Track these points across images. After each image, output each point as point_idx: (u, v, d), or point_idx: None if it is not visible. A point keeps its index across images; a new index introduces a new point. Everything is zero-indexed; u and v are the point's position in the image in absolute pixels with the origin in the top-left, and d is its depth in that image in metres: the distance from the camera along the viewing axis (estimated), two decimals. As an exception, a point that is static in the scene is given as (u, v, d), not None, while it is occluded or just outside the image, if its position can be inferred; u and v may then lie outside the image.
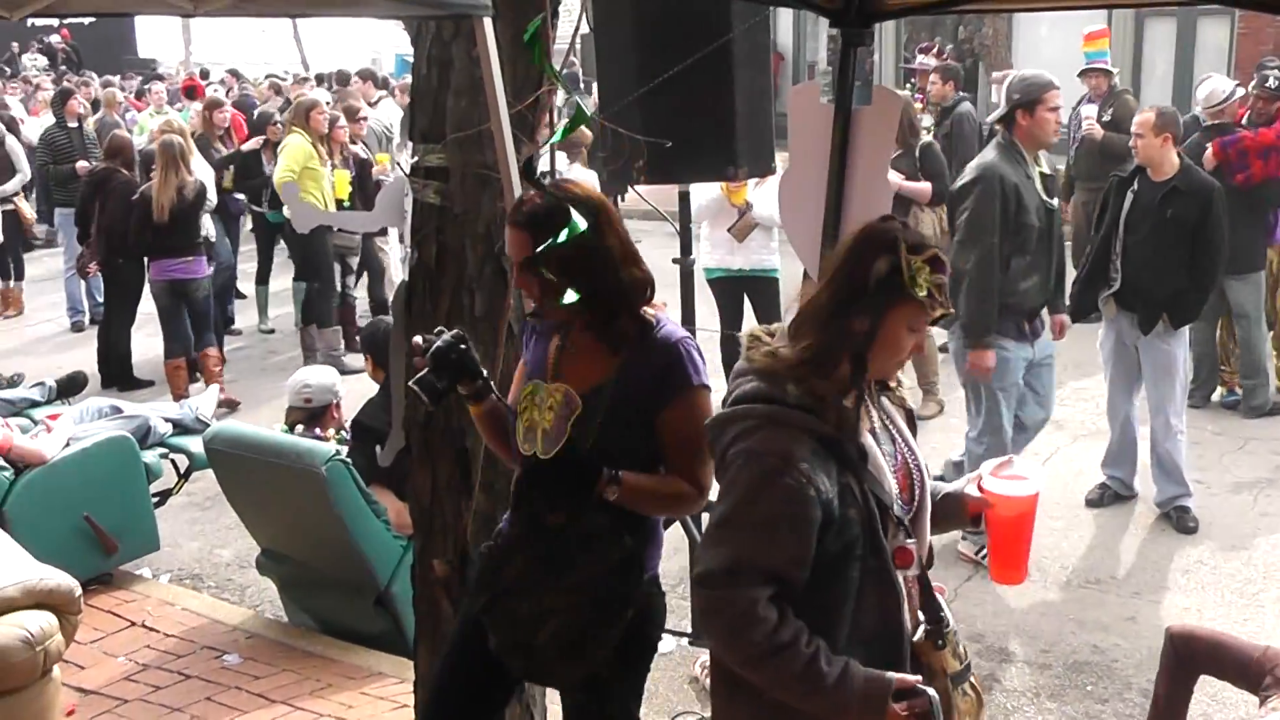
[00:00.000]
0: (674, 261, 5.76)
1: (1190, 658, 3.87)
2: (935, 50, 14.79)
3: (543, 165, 3.91)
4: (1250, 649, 3.77)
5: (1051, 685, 5.19)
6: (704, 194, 7.68)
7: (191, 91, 16.67)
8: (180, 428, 6.78)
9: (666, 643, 5.56)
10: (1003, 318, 6.19)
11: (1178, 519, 6.79)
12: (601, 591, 3.04)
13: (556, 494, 3.02)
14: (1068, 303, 6.77)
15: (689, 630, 5.37)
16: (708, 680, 5.15)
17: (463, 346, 3.15)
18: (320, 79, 19.14)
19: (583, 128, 3.24)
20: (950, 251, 6.03)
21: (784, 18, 21.01)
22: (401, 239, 10.21)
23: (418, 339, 3.16)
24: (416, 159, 3.77)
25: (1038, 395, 6.57)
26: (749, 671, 2.61)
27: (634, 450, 3.11)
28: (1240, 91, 8.83)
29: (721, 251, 8.05)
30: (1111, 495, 7.16)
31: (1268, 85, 8.50)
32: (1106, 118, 10.26)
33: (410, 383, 3.16)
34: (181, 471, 6.79)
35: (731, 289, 8.18)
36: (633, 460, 3.08)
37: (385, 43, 27.61)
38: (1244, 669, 3.70)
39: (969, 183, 6.23)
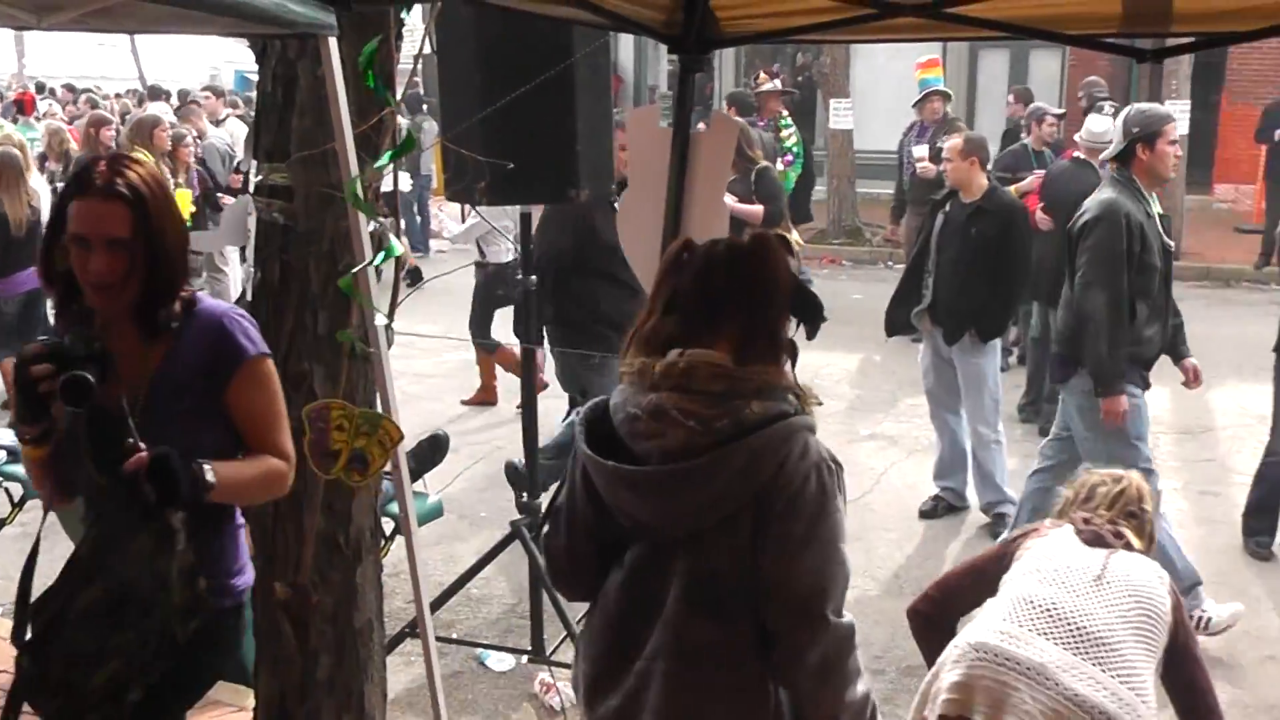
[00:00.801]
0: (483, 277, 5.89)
1: (935, 613, 3.95)
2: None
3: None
4: (986, 558, 3.97)
5: (885, 690, 5.33)
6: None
7: (22, 105, 16.25)
8: (14, 455, 6.59)
9: (505, 660, 5.63)
10: (1128, 367, 5.90)
11: (993, 526, 7.07)
12: (152, 606, 2.81)
13: (145, 502, 2.75)
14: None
15: (528, 648, 5.44)
16: (548, 698, 5.24)
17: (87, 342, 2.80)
18: (156, 93, 18.80)
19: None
20: (1076, 296, 5.94)
21: (625, 41, 21.20)
22: (244, 258, 10.14)
23: (32, 345, 2.82)
24: (261, 178, 3.77)
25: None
26: (845, 697, 2.67)
27: (216, 440, 2.99)
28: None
29: None
30: (945, 506, 7.40)
31: (1104, 114, 8.99)
32: (940, 143, 10.61)
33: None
34: (15, 501, 6.60)
35: None
36: (219, 450, 2.96)
37: (224, 58, 27.20)
38: (987, 576, 3.82)
39: (1092, 220, 5.90)
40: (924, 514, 7.40)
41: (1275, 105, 15.71)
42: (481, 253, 8.98)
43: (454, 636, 5.77)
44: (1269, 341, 6.83)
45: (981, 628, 3.54)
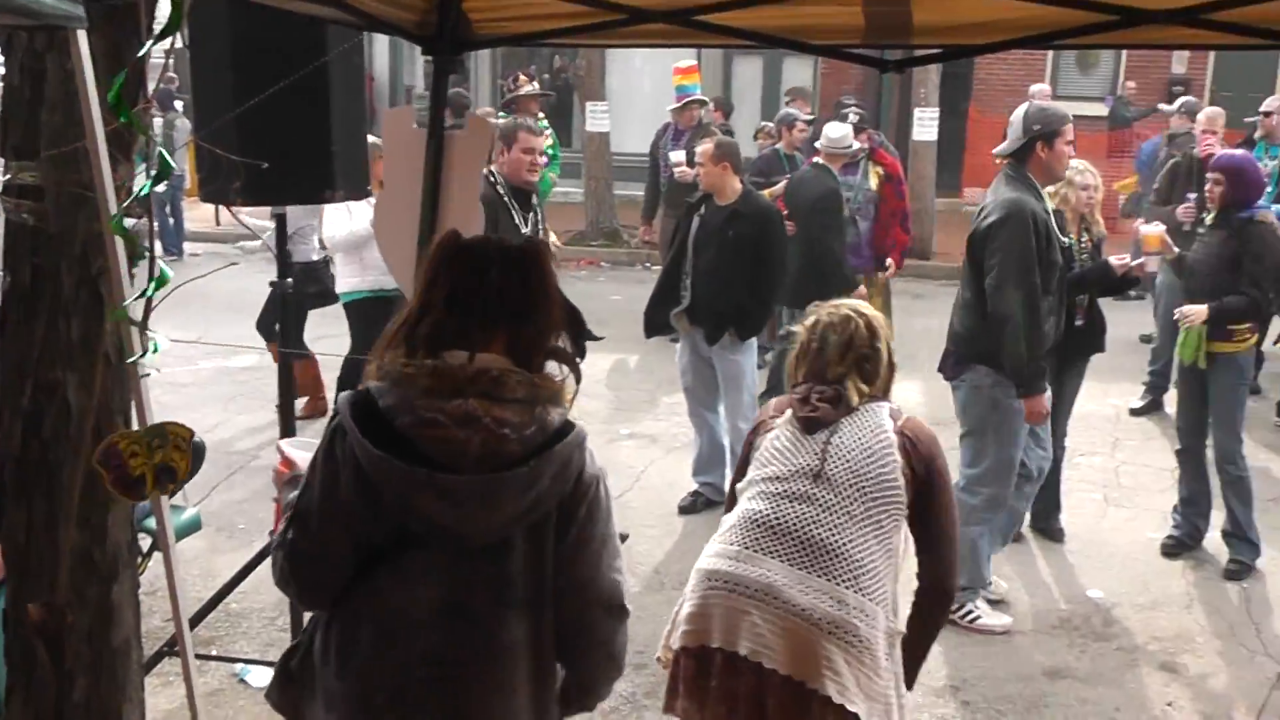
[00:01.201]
0: (270, 285, 5.73)
1: None
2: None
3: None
4: (743, 458, 3.96)
5: (649, 684, 5.41)
6: (356, 222, 7.56)
7: None
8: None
9: (266, 676, 5.44)
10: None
11: None
12: None
13: None
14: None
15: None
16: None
17: None
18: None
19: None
20: (990, 297, 5.86)
21: (380, 41, 20.98)
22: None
23: None
24: (9, 177, 3.61)
25: (1039, 439, 6.37)
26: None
27: None
28: (856, 144, 9.54)
29: (376, 273, 7.72)
30: (704, 501, 7.53)
31: (847, 121, 9.29)
32: (694, 148, 10.81)
33: None
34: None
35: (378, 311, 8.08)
36: None
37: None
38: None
39: (999, 220, 5.83)
40: (683, 510, 7.53)
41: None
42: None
43: (213, 653, 5.60)
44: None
45: (713, 552, 3.64)
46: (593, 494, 2.72)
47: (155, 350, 3.23)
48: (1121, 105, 18.94)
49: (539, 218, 7.01)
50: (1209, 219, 6.91)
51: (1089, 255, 6.81)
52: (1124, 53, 19.72)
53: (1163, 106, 14.24)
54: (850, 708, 3.39)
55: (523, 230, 6.75)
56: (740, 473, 3.88)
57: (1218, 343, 6.69)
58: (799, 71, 20.74)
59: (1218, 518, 7.06)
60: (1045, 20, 3.54)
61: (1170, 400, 9.37)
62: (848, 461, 3.59)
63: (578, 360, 2.80)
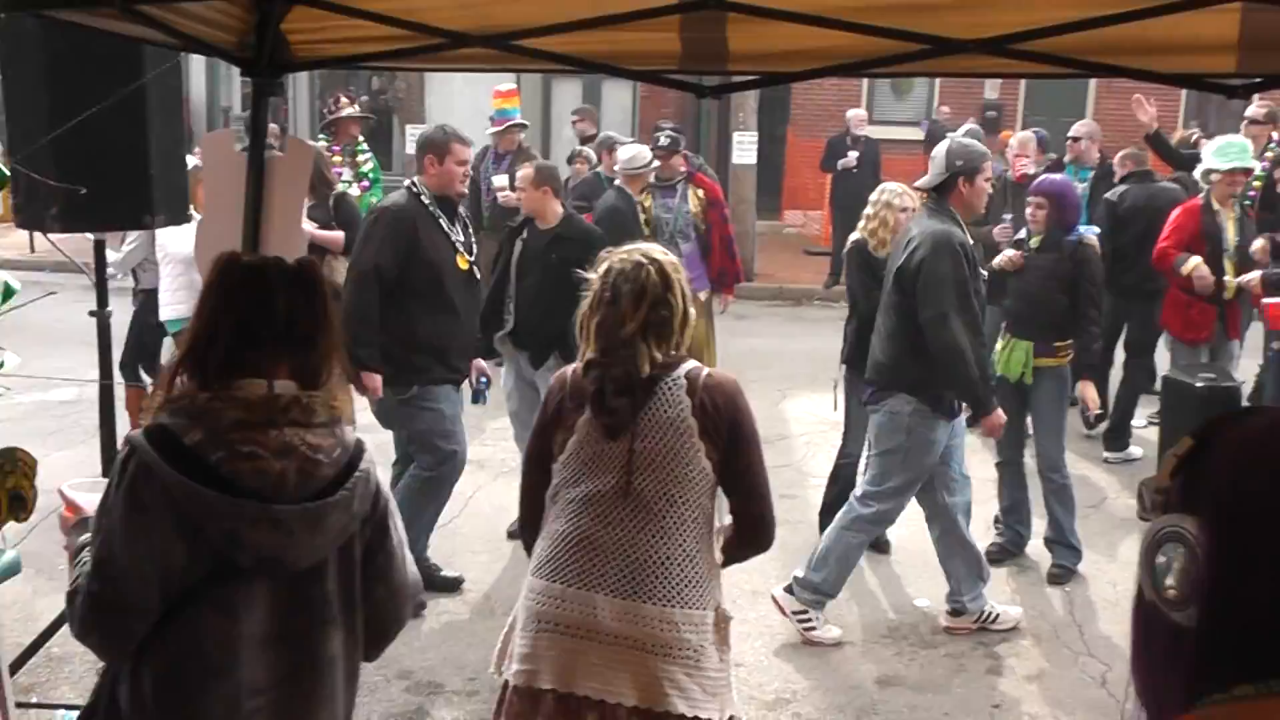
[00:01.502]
0: (90, 314, 5.57)
1: (530, 538, 3.94)
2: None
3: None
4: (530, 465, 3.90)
5: (480, 711, 5.38)
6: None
7: None
8: None
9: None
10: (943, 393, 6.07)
11: None
12: None
13: None
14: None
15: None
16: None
17: None
18: None
19: None
20: (931, 328, 5.93)
21: (196, 62, 20.56)
22: None
23: None
24: None
25: (963, 474, 6.45)
26: None
27: None
28: (657, 163, 9.60)
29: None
30: (532, 525, 7.51)
31: (660, 144, 9.37)
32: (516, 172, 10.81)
33: None
34: None
35: None
36: None
37: None
38: (537, 482, 3.83)
39: (931, 254, 5.93)
40: (512, 534, 7.46)
41: (838, 137, 16.76)
42: (136, 279, 8.49)
43: (34, 701, 5.39)
44: (838, 354, 7.33)
45: (538, 590, 3.60)
46: (388, 504, 2.89)
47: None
48: (938, 129, 19.49)
49: (469, 228, 6.83)
50: (1034, 242, 7.12)
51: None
52: (938, 78, 20.31)
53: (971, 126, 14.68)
54: (704, 715, 3.47)
55: (453, 239, 6.59)
56: (544, 441, 3.74)
57: (1043, 358, 6.98)
58: (619, 95, 20.91)
59: (1038, 525, 7.29)
60: (860, 49, 3.63)
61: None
62: (654, 469, 3.58)
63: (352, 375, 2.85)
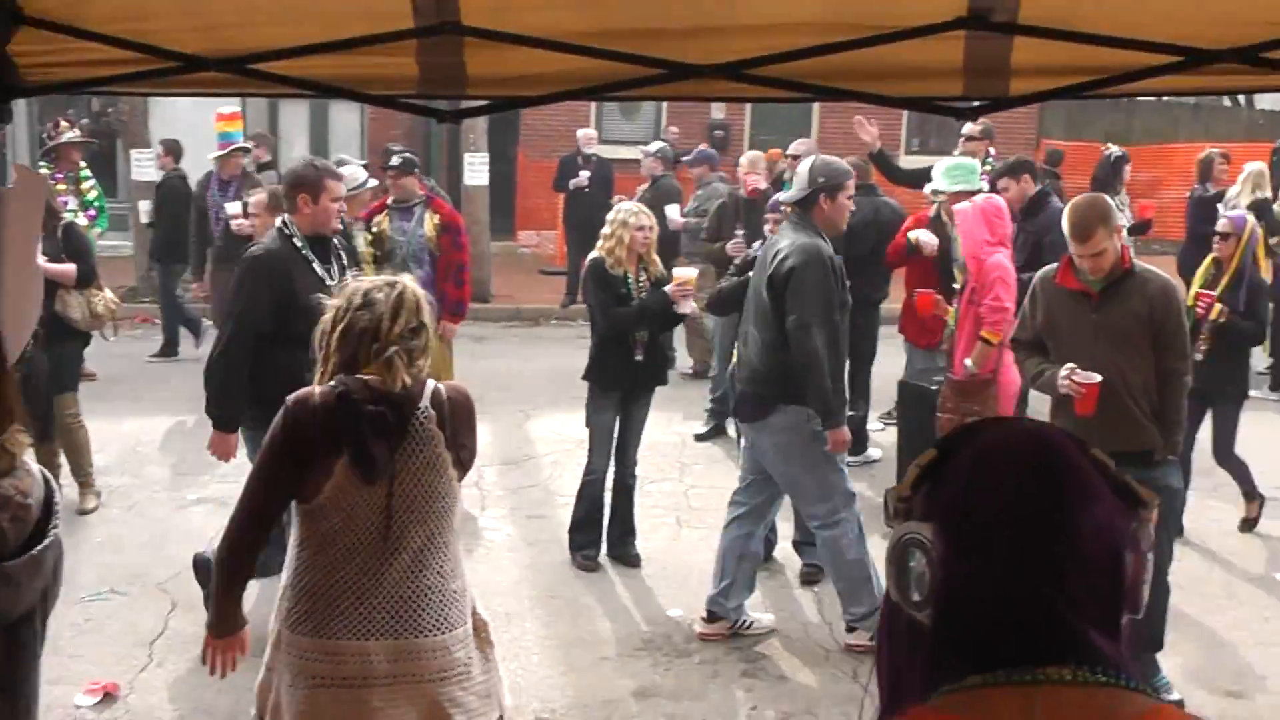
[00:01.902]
0: None
1: None
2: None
3: None
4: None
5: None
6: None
7: None
8: None
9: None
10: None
11: None
12: None
13: None
14: None
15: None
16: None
17: None
18: None
19: None
20: (794, 337, 6.05)
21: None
22: None
23: None
24: None
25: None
26: None
27: None
28: (373, 181, 9.50)
29: None
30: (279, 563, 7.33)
31: (392, 165, 9.32)
32: (247, 198, 10.56)
33: None
34: None
35: None
36: None
37: None
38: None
39: (800, 265, 6.07)
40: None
41: (570, 157, 16.91)
42: None
43: None
44: (578, 372, 7.40)
45: (308, 649, 3.55)
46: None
47: None
48: (668, 149, 19.84)
49: (344, 262, 6.50)
50: None
51: (647, 293, 7.15)
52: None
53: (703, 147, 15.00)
54: None
55: (327, 282, 6.36)
56: (289, 471, 3.59)
57: None
58: (347, 117, 20.67)
59: (785, 529, 7.51)
60: (599, 73, 3.69)
61: (732, 425, 9.91)
62: (413, 509, 3.59)
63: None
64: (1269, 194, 12.25)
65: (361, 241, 8.86)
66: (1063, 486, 1.45)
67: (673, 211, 12.31)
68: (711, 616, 6.53)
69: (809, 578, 7.23)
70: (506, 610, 6.60)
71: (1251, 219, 8.84)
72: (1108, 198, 6.17)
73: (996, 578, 1.42)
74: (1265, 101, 27.46)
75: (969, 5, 3.32)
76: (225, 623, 3.75)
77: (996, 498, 1.45)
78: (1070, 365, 5.58)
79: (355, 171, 9.24)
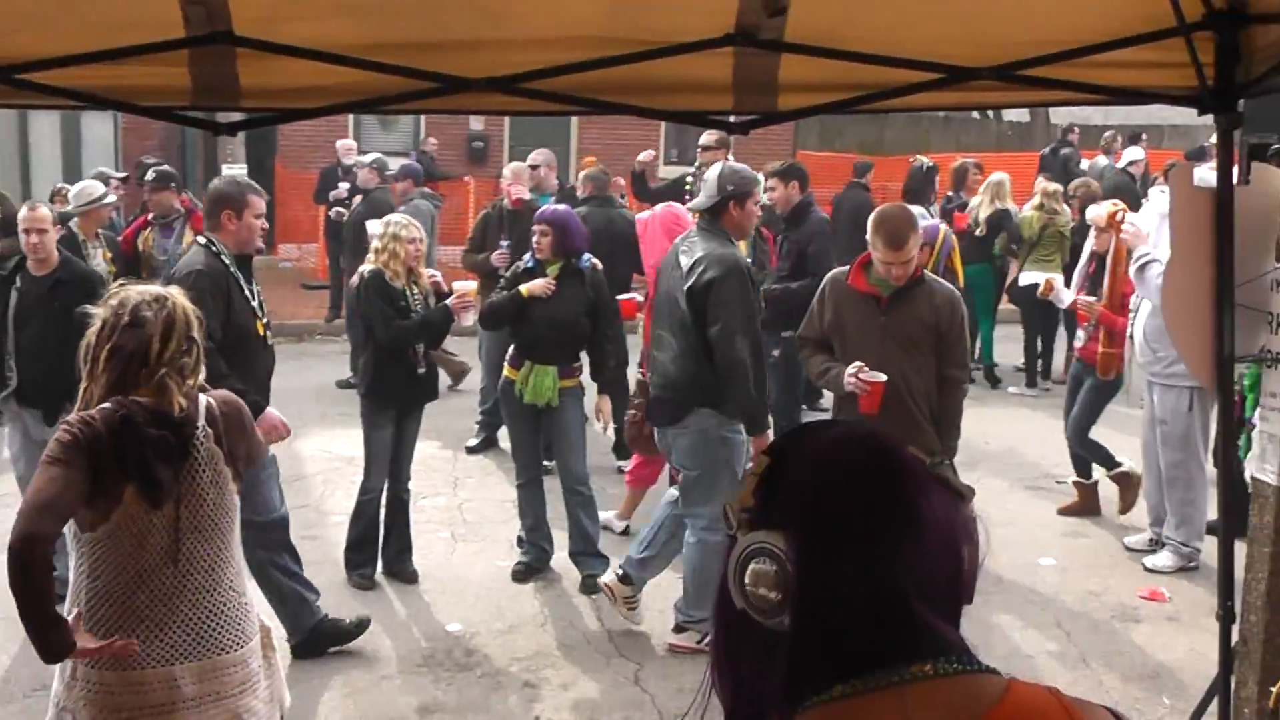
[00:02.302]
0: None
1: None
2: None
3: None
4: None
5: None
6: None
7: None
8: None
9: None
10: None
11: None
12: None
13: None
14: None
15: None
16: None
17: None
18: None
19: None
20: (719, 346, 6.09)
21: None
22: None
23: None
24: None
25: None
26: None
27: None
28: (113, 197, 9.20)
29: None
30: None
31: (148, 179, 9.07)
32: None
33: None
34: None
35: None
36: None
37: None
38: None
39: (721, 275, 6.10)
40: None
41: (330, 169, 16.46)
42: None
43: None
44: (345, 388, 7.31)
45: (110, 682, 3.46)
46: None
47: None
48: (427, 161, 19.74)
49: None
50: (551, 269, 7.31)
51: (421, 306, 7.11)
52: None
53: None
54: None
55: (253, 303, 6.08)
56: (75, 493, 3.36)
57: (566, 380, 7.29)
58: (100, 128, 19.96)
59: (560, 539, 7.58)
60: (375, 86, 3.68)
61: (503, 437, 9.92)
62: (200, 530, 3.55)
63: None
64: (1009, 204, 12.87)
65: (101, 260, 8.58)
66: (901, 483, 1.49)
67: (374, 227, 12.27)
68: (681, 628, 6.58)
69: (589, 587, 7.29)
70: (281, 634, 6.46)
71: (944, 228, 9.32)
72: (911, 209, 6.45)
73: (852, 578, 1.45)
74: (1012, 114, 28.96)
75: (737, 23, 3.43)
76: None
77: (842, 499, 1.48)
78: (857, 364, 5.78)
79: (90, 186, 8.93)
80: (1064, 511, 8.91)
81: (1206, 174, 5.13)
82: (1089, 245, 8.59)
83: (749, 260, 6.75)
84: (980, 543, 1.53)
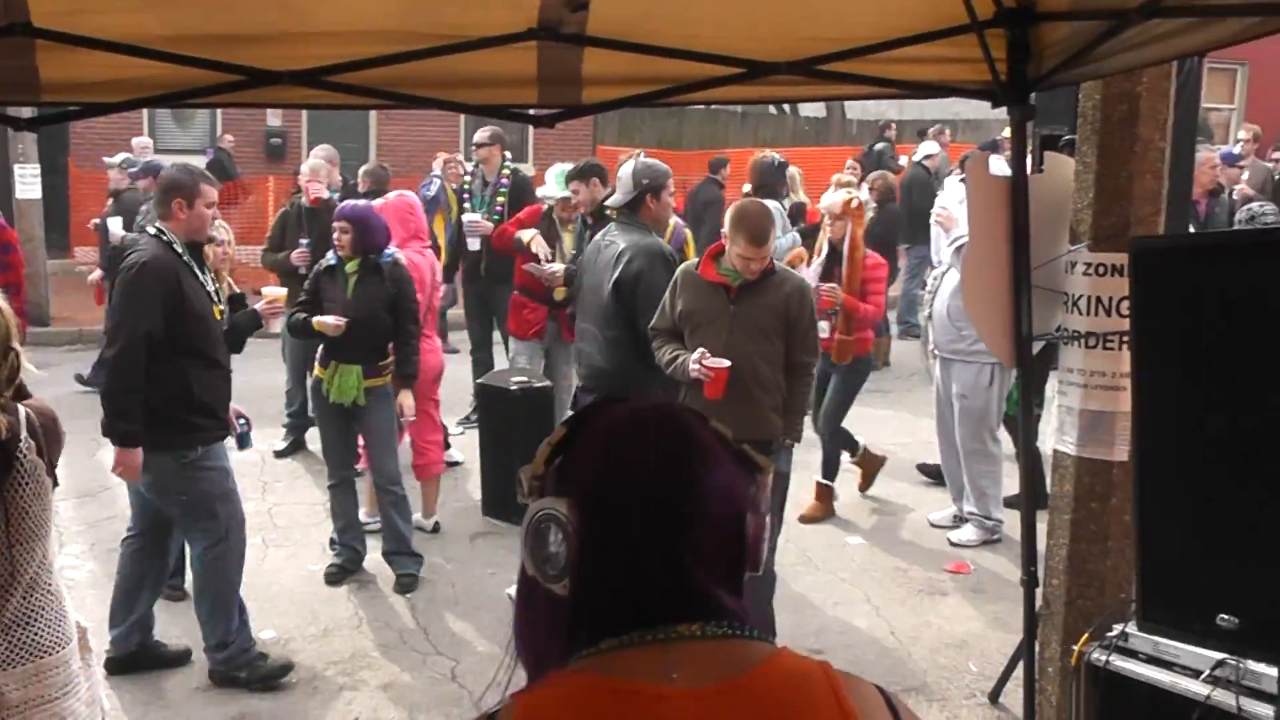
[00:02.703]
0: None
1: None
2: None
3: None
4: None
5: None
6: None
7: None
8: None
9: None
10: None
11: None
12: None
13: None
14: None
15: None
16: None
17: None
18: None
19: None
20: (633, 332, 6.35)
21: None
22: None
23: None
24: None
25: None
26: None
27: None
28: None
29: None
30: None
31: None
32: None
33: None
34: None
35: None
36: None
37: None
38: None
39: (648, 267, 6.40)
40: None
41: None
42: None
43: None
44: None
45: None
46: None
47: None
48: (224, 157, 19.33)
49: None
50: (350, 266, 7.21)
51: (225, 309, 6.97)
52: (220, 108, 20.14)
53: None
54: None
55: (208, 289, 5.87)
56: None
57: (372, 379, 7.19)
58: None
59: (373, 541, 7.54)
60: (178, 79, 3.61)
61: (311, 439, 9.79)
62: (26, 541, 3.48)
63: None
64: (802, 197, 13.21)
65: None
66: (688, 454, 1.55)
67: (114, 225, 12.05)
68: None
69: (406, 586, 7.24)
70: (95, 649, 6.27)
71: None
72: (768, 206, 6.57)
73: (630, 543, 1.51)
74: (809, 110, 29.58)
75: (539, 17, 3.45)
76: None
77: (627, 467, 1.54)
78: (701, 350, 5.87)
79: None
80: (804, 519, 8.68)
81: (1002, 163, 5.35)
82: (824, 234, 8.69)
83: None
84: (764, 514, 1.60)
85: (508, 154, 11.19)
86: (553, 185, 9.23)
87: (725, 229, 6.03)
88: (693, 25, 3.61)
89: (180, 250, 5.86)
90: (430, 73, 3.57)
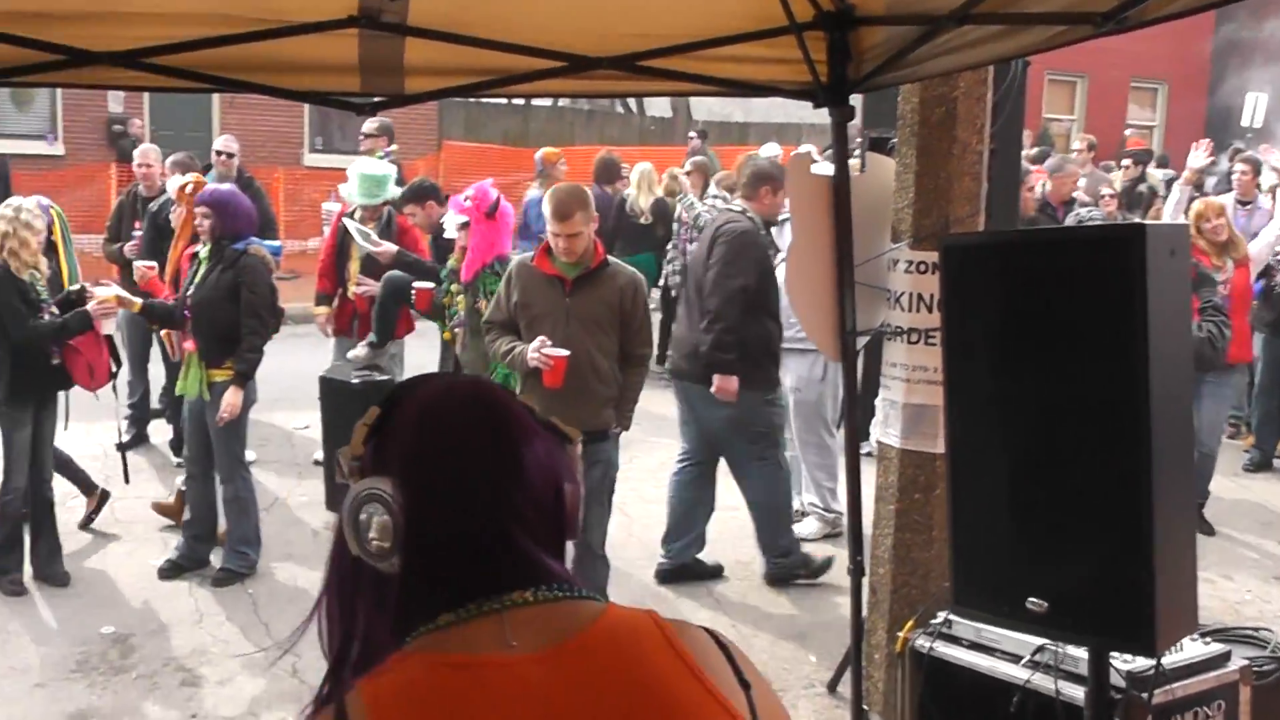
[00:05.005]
0: None
1: None
2: None
3: None
4: None
5: None
6: None
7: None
8: None
9: None
10: None
11: None
12: None
13: None
14: None
15: None
16: None
17: None
18: None
19: None
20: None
21: None
22: None
23: None
24: None
25: None
26: None
27: None
28: None
29: None
30: None
31: None
32: None
33: None
34: None
35: None
36: None
37: None
38: None
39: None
40: None
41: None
42: None
43: None
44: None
45: None
46: None
47: None
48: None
49: None
50: (204, 252, 7.09)
51: (47, 294, 6.88)
52: (59, 91, 19.56)
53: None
54: None
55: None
56: None
57: (214, 371, 7.04)
58: None
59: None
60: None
61: (158, 430, 9.60)
62: None
63: None
64: (660, 192, 13.26)
65: None
66: (504, 426, 1.60)
67: None
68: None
69: (222, 581, 7.20)
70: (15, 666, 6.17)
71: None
72: (585, 188, 6.59)
73: (456, 516, 1.54)
74: (655, 109, 29.79)
75: (360, 4, 3.45)
76: None
77: (445, 442, 1.57)
78: (541, 338, 5.89)
79: None
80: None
81: (825, 164, 5.47)
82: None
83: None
84: (579, 484, 1.65)
85: (393, 146, 11.16)
86: (355, 194, 8.90)
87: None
88: (510, 19, 3.63)
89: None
90: (253, 57, 3.54)
